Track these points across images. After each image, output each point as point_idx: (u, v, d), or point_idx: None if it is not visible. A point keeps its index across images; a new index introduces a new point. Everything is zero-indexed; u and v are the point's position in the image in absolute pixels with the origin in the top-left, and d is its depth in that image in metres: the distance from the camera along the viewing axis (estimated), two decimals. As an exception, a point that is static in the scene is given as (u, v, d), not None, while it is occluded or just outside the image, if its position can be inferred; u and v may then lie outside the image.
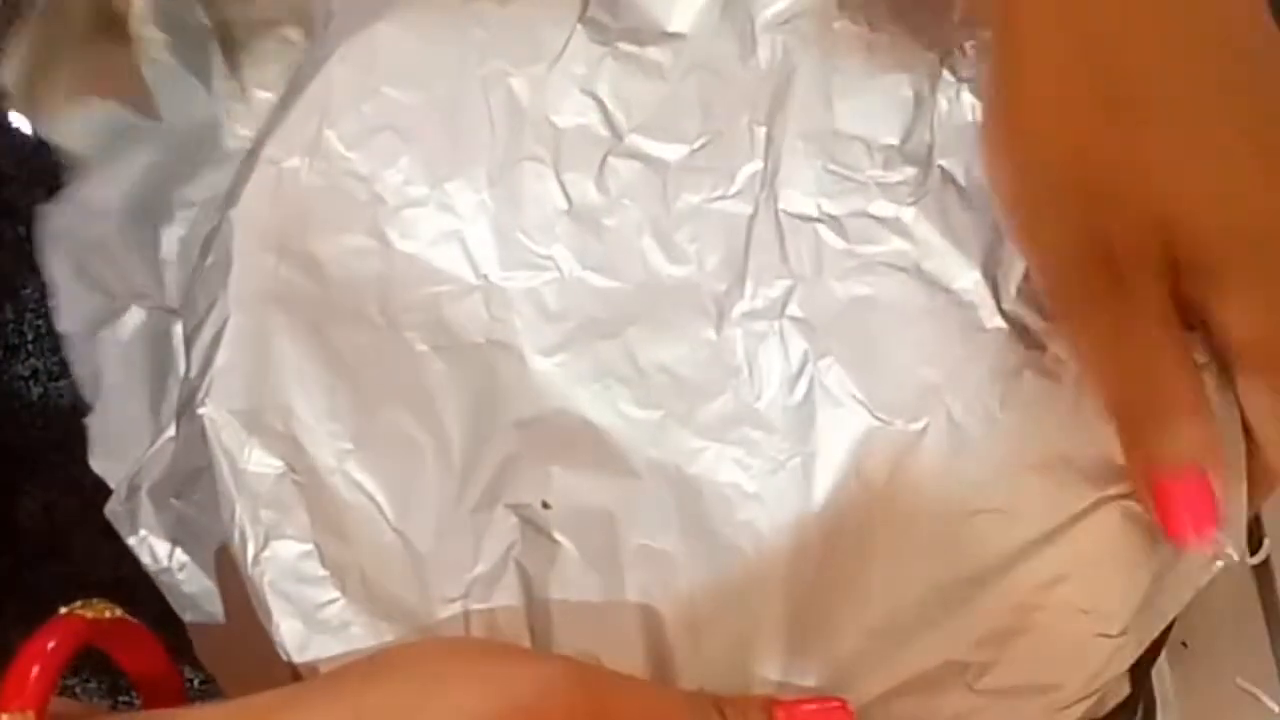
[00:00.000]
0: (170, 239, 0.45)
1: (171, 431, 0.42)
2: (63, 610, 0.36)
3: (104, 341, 0.45)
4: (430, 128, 0.42)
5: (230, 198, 0.42)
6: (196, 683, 0.50)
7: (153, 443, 0.43)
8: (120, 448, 0.44)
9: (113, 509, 0.42)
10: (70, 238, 0.45)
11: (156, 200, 0.45)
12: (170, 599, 0.42)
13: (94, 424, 0.45)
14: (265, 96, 0.45)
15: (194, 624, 0.42)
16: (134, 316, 0.45)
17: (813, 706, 0.36)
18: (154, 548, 0.42)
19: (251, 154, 0.43)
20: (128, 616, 0.37)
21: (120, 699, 0.48)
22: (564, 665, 0.36)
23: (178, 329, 0.44)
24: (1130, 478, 0.38)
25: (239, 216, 0.41)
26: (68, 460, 0.45)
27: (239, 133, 0.45)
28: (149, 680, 0.38)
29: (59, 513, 0.48)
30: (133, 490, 0.42)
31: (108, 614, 0.36)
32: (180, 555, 0.42)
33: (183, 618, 0.42)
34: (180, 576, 0.42)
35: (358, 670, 0.35)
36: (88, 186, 0.45)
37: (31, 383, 0.46)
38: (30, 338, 0.50)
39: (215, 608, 0.41)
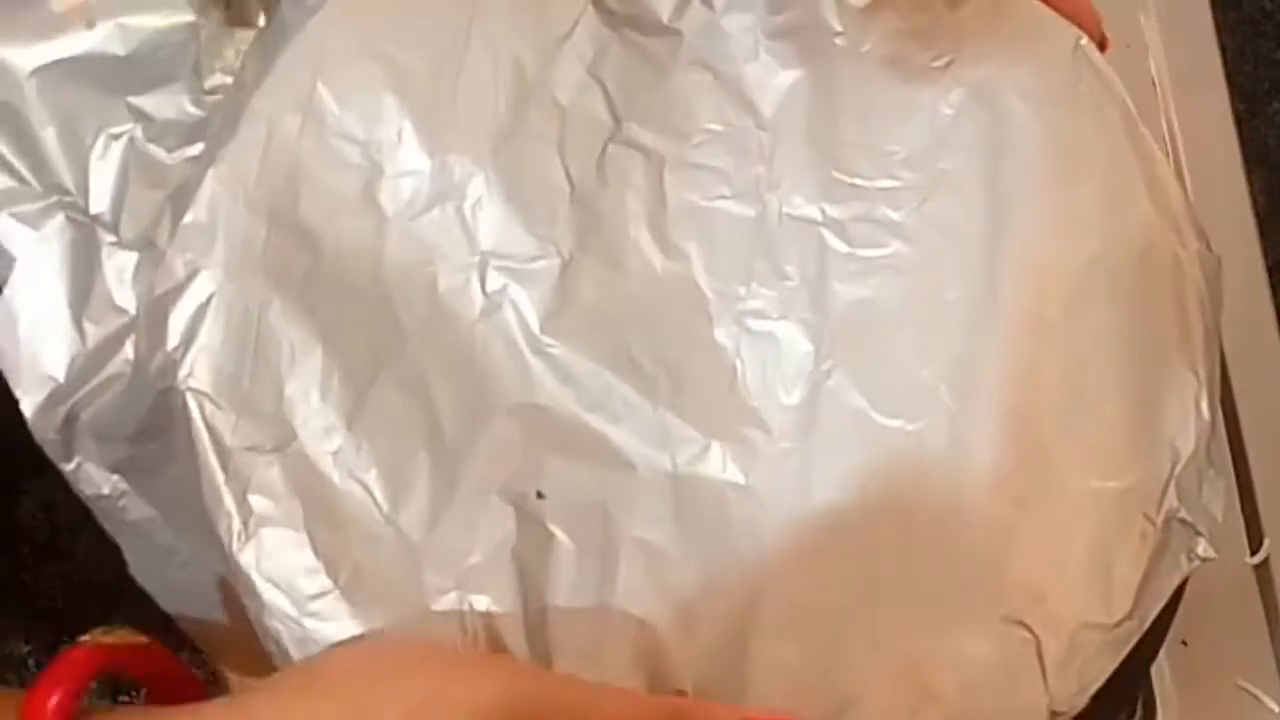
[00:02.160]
0: (114, 147, 0.42)
1: (114, 369, 0.40)
2: (84, 638, 0.35)
3: (14, 225, 0.42)
4: (431, 92, 0.41)
5: (213, 150, 0.41)
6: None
7: (74, 358, 0.41)
8: (30, 341, 0.41)
9: (43, 436, 0.40)
10: None
11: (100, 99, 0.42)
12: (107, 526, 0.41)
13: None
14: (246, 32, 0.43)
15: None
16: (53, 212, 0.42)
17: None
18: (91, 474, 0.41)
19: (234, 103, 0.41)
20: (152, 643, 0.36)
21: (119, 698, 0.47)
22: (503, 686, 0.34)
23: (106, 247, 0.41)
24: None
25: (225, 174, 0.40)
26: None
27: (210, 64, 0.43)
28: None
29: (59, 513, 0.48)
30: (69, 421, 0.40)
31: (129, 640, 0.36)
32: (121, 484, 0.41)
33: (122, 549, 0.41)
34: (121, 504, 0.41)
35: (292, 684, 0.35)
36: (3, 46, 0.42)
37: (34, 384, 0.46)
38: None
39: (159, 534, 0.39)
